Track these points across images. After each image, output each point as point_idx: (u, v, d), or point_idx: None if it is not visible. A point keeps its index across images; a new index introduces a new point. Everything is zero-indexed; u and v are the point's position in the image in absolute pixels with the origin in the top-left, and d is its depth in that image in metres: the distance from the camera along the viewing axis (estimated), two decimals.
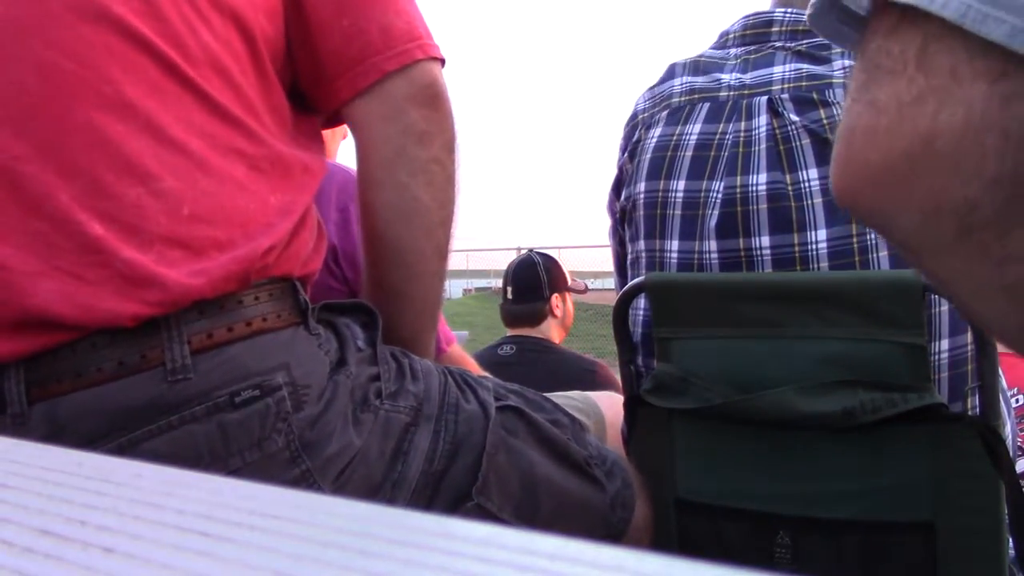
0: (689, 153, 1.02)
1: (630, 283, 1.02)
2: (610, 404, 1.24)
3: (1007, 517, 0.84)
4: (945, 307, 0.91)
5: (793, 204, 0.94)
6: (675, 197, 1.02)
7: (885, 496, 0.88)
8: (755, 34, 1.08)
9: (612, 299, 1.09)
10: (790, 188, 0.94)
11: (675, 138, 1.04)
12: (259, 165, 0.76)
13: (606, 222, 1.21)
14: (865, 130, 0.38)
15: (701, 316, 0.96)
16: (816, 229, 0.92)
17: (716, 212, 0.98)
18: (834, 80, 0.97)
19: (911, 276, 0.84)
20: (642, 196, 1.05)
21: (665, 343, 1.00)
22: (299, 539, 0.22)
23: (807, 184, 0.93)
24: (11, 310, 0.66)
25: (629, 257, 1.11)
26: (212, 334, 0.70)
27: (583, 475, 0.89)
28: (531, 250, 2.87)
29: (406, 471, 0.76)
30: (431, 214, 0.88)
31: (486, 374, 0.98)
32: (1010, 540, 0.85)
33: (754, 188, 0.96)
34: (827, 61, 0.99)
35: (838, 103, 0.95)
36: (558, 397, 1.14)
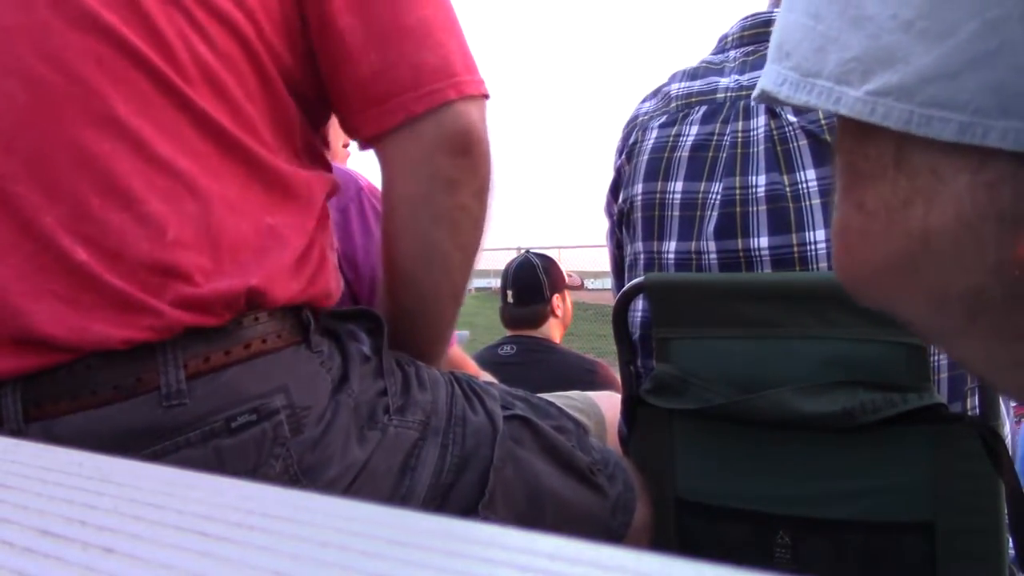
0: (686, 154, 1.02)
1: (630, 283, 1.02)
2: (610, 404, 1.24)
3: (1007, 517, 0.84)
4: None
5: (791, 205, 0.94)
6: (673, 198, 1.02)
7: (885, 496, 0.88)
8: (753, 35, 1.08)
9: (612, 299, 1.09)
10: (788, 189, 0.94)
11: (672, 139, 1.04)
12: (254, 185, 0.73)
13: (605, 223, 1.21)
14: (859, 233, 0.38)
15: (701, 316, 0.96)
16: (815, 230, 0.92)
17: (715, 213, 0.98)
18: None
19: None
20: (640, 197, 1.05)
21: (665, 343, 1.00)
22: (299, 539, 0.22)
23: (805, 185, 0.93)
24: (8, 329, 0.66)
25: (627, 259, 1.11)
26: (209, 358, 0.68)
27: (587, 483, 0.88)
28: (528, 251, 2.87)
29: (414, 486, 0.76)
30: (452, 258, 0.85)
31: (491, 379, 0.97)
32: (1010, 540, 0.85)
33: (754, 190, 0.96)
34: None
35: None
36: (558, 397, 1.14)
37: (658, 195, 1.03)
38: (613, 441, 1.15)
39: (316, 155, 0.84)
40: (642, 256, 1.06)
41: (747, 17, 1.10)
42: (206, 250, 0.69)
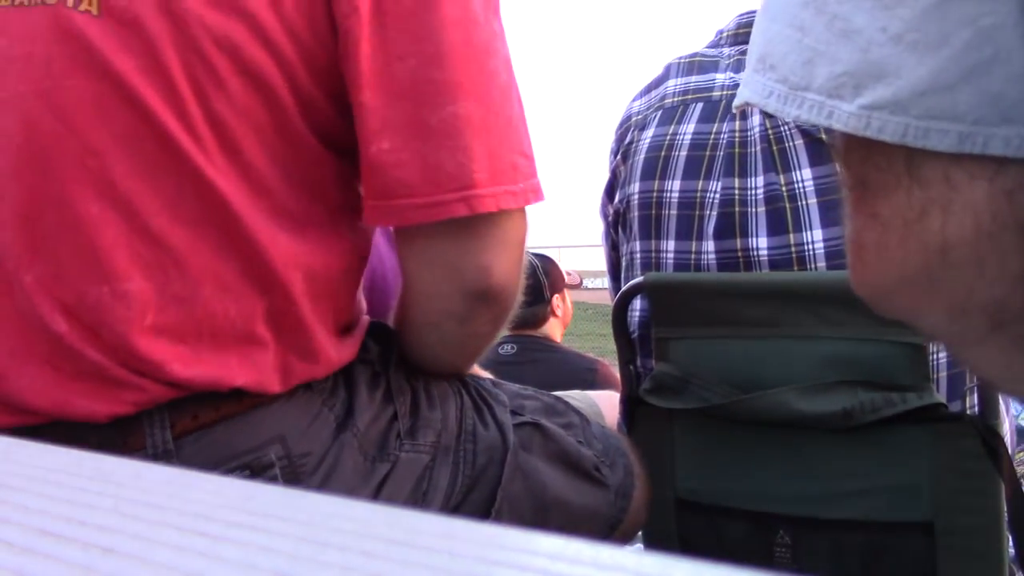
0: (684, 153, 1.02)
1: (629, 283, 1.02)
2: (610, 404, 1.24)
3: (1007, 516, 0.84)
4: None
5: (788, 205, 0.93)
6: (670, 197, 1.02)
7: (885, 496, 0.88)
8: (748, 32, 1.08)
9: (611, 298, 1.09)
10: (784, 189, 0.94)
11: (669, 138, 1.04)
12: (254, 269, 0.64)
13: (600, 225, 1.21)
14: (876, 246, 0.37)
15: (700, 316, 0.96)
16: (812, 230, 0.92)
17: (714, 213, 0.98)
18: None
19: None
20: (636, 197, 1.05)
21: (664, 343, 0.99)
22: (299, 539, 0.22)
23: (801, 184, 0.93)
24: None
25: (624, 259, 1.11)
26: (197, 416, 0.64)
27: (592, 481, 0.88)
28: (528, 251, 2.86)
29: (425, 510, 0.74)
30: (457, 365, 0.81)
31: (494, 378, 0.96)
32: (1010, 540, 0.85)
33: (753, 192, 0.96)
34: None
35: None
36: None
37: (655, 194, 1.03)
38: None
39: (356, 208, 0.73)
40: (639, 256, 1.06)
41: (743, 14, 1.10)
42: (188, 338, 0.63)
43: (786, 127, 0.95)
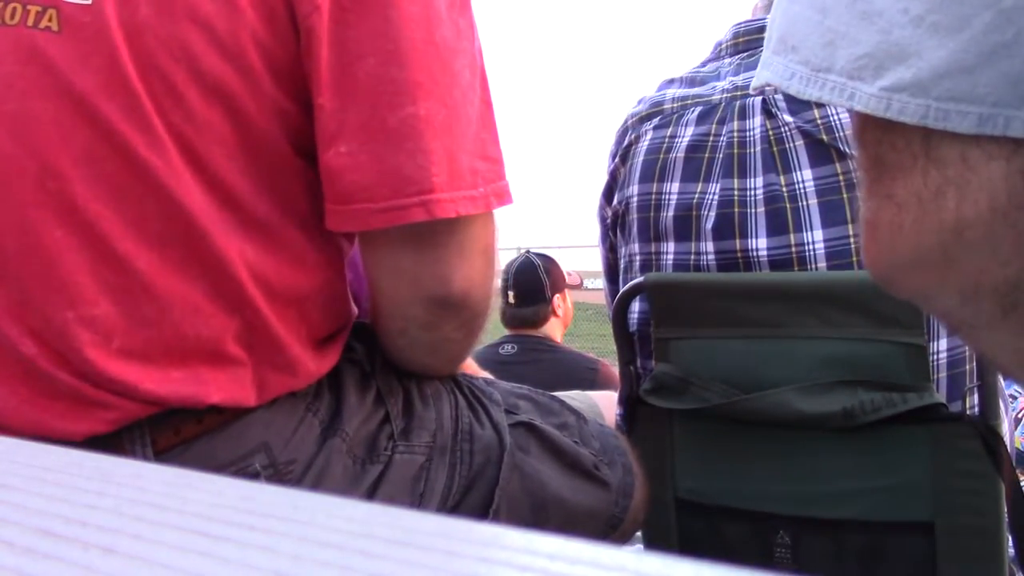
0: (682, 155, 1.02)
1: (629, 283, 1.02)
2: (610, 404, 1.25)
3: (1007, 517, 0.84)
4: None
5: (788, 206, 0.94)
6: (669, 199, 1.02)
7: (885, 496, 0.88)
8: (747, 41, 1.08)
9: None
10: (784, 190, 0.94)
11: (667, 140, 1.04)
12: (223, 288, 0.63)
13: (597, 228, 1.21)
14: (890, 226, 0.37)
15: (700, 316, 0.96)
16: (812, 230, 0.92)
17: (712, 214, 0.98)
18: None
19: None
20: (635, 199, 1.05)
21: (664, 343, 1.00)
22: (299, 539, 0.22)
23: (801, 185, 0.93)
24: None
25: (622, 261, 1.11)
26: (179, 430, 0.63)
27: (591, 480, 0.88)
28: (529, 251, 2.87)
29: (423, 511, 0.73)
30: (437, 368, 0.79)
31: (490, 376, 0.96)
32: (1010, 540, 0.85)
33: (752, 192, 0.96)
34: None
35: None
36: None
37: (654, 196, 1.03)
38: None
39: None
40: (638, 257, 1.06)
41: (740, 24, 1.11)
42: (160, 359, 0.61)
43: (786, 128, 0.95)
